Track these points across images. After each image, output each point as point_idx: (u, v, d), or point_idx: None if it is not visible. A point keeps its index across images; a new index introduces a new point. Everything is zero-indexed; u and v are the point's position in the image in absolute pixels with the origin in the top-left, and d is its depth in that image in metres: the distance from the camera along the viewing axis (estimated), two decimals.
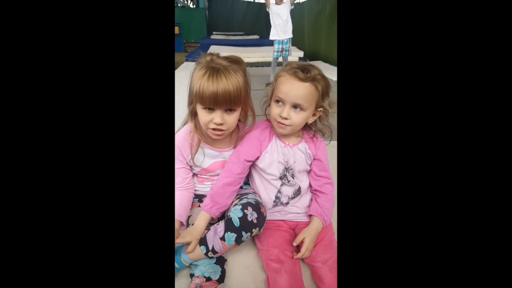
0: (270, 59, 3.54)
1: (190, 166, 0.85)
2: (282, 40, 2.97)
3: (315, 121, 0.80)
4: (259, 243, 0.81)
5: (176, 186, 0.83)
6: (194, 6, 9.17)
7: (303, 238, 0.75)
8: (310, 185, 0.86)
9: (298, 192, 0.84)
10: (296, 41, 3.42)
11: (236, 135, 0.85)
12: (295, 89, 0.71)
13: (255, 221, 0.72)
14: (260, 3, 8.27)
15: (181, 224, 0.79)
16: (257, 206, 0.74)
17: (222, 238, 0.71)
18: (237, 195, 0.84)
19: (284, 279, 0.69)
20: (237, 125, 0.82)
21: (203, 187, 0.90)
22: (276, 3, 2.87)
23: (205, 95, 0.68)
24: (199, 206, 0.89)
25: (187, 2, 9.78)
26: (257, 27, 8.12)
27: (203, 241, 0.73)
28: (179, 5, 9.19)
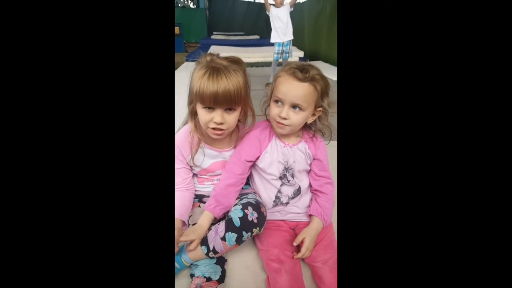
0: (270, 59, 3.54)
1: (190, 166, 0.85)
2: (283, 42, 2.97)
3: (315, 121, 0.80)
4: (259, 243, 0.81)
5: (176, 186, 0.83)
6: (195, 6, 9.18)
7: (303, 238, 0.75)
8: (310, 185, 0.86)
9: (298, 192, 0.84)
10: (296, 41, 3.41)
11: (236, 135, 0.85)
12: (294, 89, 0.71)
13: (255, 221, 0.72)
14: (261, 3, 8.27)
15: (183, 223, 0.79)
16: (258, 206, 0.74)
17: (223, 238, 0.71)
18: None
19: (284, 279, 0.69)
20: (237, 125, 0.82)
21: (203, 187, 0.90)
22: (276, 6, 2.87)
23: (206, 94, 0.68)
24: (199, 206, 0.89)
25: (188, 2, 9.79)
26: (258, 27, 8.12)
27: (204, 241, 0.73)
28: (179, 5, 9.20)
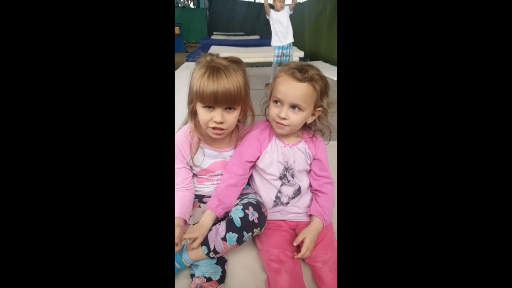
0: (270, 59, 3.54)
1: (190, 166, 0.85)
2: (283, 45, 2.96)
3: (314, 121, 0.80)
4: (259, 243, 0.81)
5: (176, 186, 0.83)
6: (195, 7, 9.18)
7: (304, 238, 0.75)
8: (310, 185, 0.86)
9: (298, 192, 0.84)
10: (296, 41, 3.42)
11: (236, 135, 0.85)
12: (293, 89, 0.71)
13: (256, 221, 0.72)
14: (261, 3, 8.27)
15: (185, 222, 0.79)
16: (258, 206, 0.74)
17: (224, 239, 0.71)
18: None
19: (284, 279, 0.69)
20: (237, 125, 0.82)
21: (202, 187, 0.90)
22: (276, 10, 2.87)
23: (206, 93, 0.68)
24: (199, 206, 0.89)
25: (188, 2, 9.79)
26: (258, 27, 8.14)
27: (204, 242, 0.73)
28: (179, 5, 9.20)
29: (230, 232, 0.71)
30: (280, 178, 0.82)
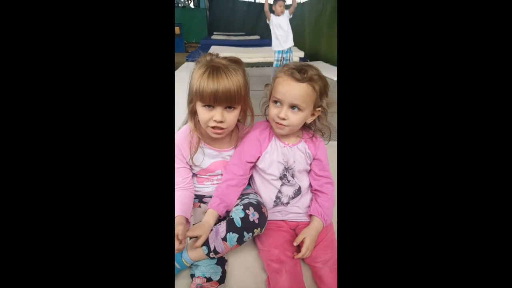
0: (270, 59, 3.54)
1: (190, 166, 0.85)
2: (283, 49, 2.96)
3: (314, 121, 0.80)
4: (259, 244, 0.81)
5: (176, 186, 0.83)
6: (195, 7, 9.18)
7: (304, 238, 0.75)
8: (310, 185, 0.86)
9: (298, 192, 0.84)
10: (296, 41, 3.41)
11: (235, 135, 0.85)
12: (292, 89, 0.71)
13: (256, 221, 0.72)
14: (261, 3, 8.27)
15: (187, 220, 0.79)
16: (259, 206, 0.74)
17: (224, 239, 0.71)
18: None
19: (284, 280, 0.69)
20: (237, 125, 0.82)
21: (202, 187, 0.90)
22: (277, 15, 2.87)
23: (206, 92, 0.68)
24: (199, 206, 0.89)
25: (188, 2, 9.79)
26: (258, 27, 8.13)
27: (205, 242, 0.73)
28: (180, 5, 9.20)
29: (231, 232, 0.71)
30: (280, 178, 0.82)
